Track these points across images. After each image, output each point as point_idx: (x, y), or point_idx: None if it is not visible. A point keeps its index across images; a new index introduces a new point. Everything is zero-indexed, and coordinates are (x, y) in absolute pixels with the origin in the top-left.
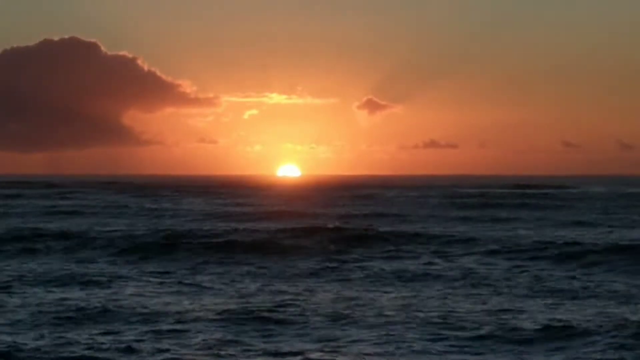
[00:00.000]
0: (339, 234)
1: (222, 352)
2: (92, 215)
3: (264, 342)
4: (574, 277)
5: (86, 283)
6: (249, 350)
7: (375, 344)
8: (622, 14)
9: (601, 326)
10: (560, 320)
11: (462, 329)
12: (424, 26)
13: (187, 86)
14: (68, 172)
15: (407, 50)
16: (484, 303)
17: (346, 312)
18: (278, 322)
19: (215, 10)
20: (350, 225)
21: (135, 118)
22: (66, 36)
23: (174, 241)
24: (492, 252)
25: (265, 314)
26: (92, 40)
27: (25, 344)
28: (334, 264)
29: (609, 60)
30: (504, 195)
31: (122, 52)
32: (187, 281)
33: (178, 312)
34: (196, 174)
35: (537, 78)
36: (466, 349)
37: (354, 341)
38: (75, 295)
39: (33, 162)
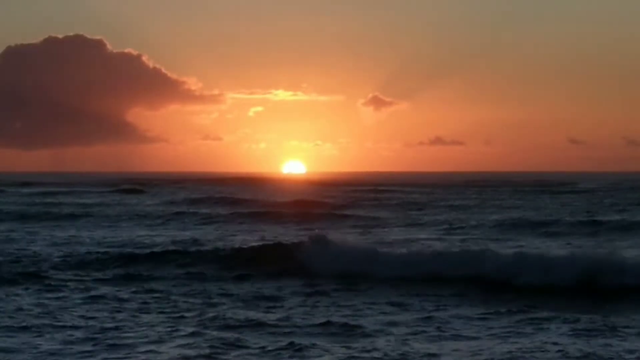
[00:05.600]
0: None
1: None
2: None
3: None
4: None
5: None
6: None
7: None
8: (628, 11)
9: None
10: None
11: None
12: (429, 23)
13: (193, 83)
14: (72, 170)
15: (412, 47)
16: None
17: None
18: None
19: (221, 8)
20: None
21: (140, 115)
22: (71, 33)
23: None
24: None
25: None
26: (98, 37)
27: None
28: None
29: (614, 57)
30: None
31: (127, 50)
32: None
33: None
34: (201, 171)
35: (543, 75)
36: None
37: None
38: None
39: (37, 160)
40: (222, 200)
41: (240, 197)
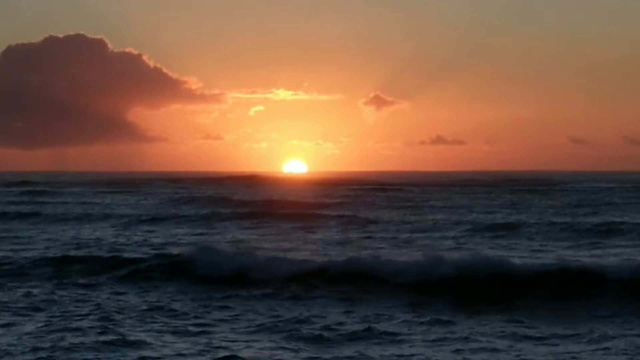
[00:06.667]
0: None
1: None
2: None
3: None
4: None
5: None
6: None
7: None
8: (629, 11)
9: None
10: None
11: None
12: (430, 22)
13: (193, 82)
14: (73, 169)
15: (414, 46)
16: None
17: None
18: None
19: (221, 7)
20: None
21: (140, 115)
22: (72, 33)
23: None
24: None
25: None
26: (98, 37)
27: None
28: None
29: (615, 56)
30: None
31: (127, 49)
32: None
33: None
34: (201, 171)
35: (544, 74)
36: None
37: None
38: None
39: (37, 160)
40: (205, 200)
41: (229, 197)
